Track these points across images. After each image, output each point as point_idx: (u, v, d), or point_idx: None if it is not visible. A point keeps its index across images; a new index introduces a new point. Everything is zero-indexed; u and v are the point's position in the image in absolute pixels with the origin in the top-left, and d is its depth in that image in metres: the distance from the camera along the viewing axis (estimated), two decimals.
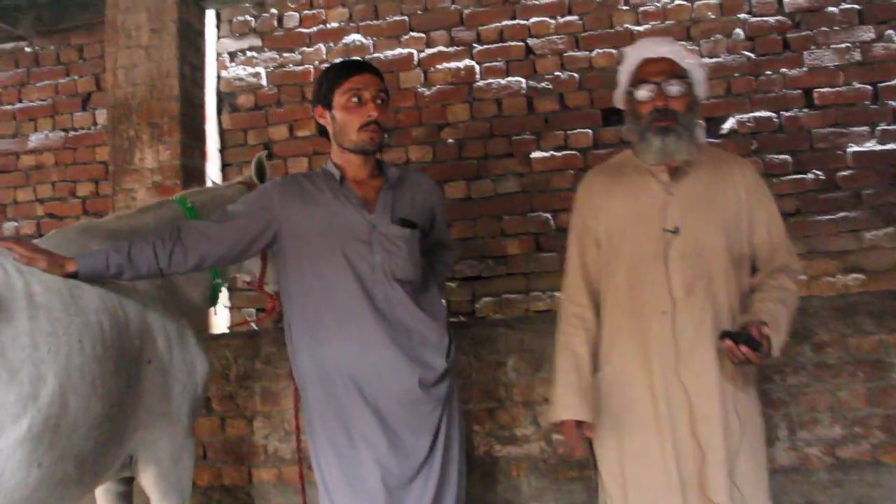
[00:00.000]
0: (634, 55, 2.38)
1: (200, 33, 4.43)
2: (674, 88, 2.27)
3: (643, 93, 2.30)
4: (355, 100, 2.37)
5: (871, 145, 4.00)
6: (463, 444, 2.52)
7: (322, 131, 2.53)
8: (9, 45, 4.86)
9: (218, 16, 4.63)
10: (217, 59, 4.61)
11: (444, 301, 2.62)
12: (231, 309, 4.50)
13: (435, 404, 2.40)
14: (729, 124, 4.11)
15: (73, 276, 2.12)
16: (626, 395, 2.30)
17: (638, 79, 2.33)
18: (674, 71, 2.29)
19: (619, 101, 2.49)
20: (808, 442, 3.18)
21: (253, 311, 4.46)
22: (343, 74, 2.40)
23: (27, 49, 4.84)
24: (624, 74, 2.41)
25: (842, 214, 3.99)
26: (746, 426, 2.25)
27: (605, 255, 2.39)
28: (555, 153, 4.23)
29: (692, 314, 2.23)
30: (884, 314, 3.18)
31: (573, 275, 2.44)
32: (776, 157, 4.06)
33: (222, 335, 3.73)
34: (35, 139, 4.79)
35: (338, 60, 2.58)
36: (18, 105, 4.83)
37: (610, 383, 2.34)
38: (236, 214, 2.42)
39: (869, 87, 4.02)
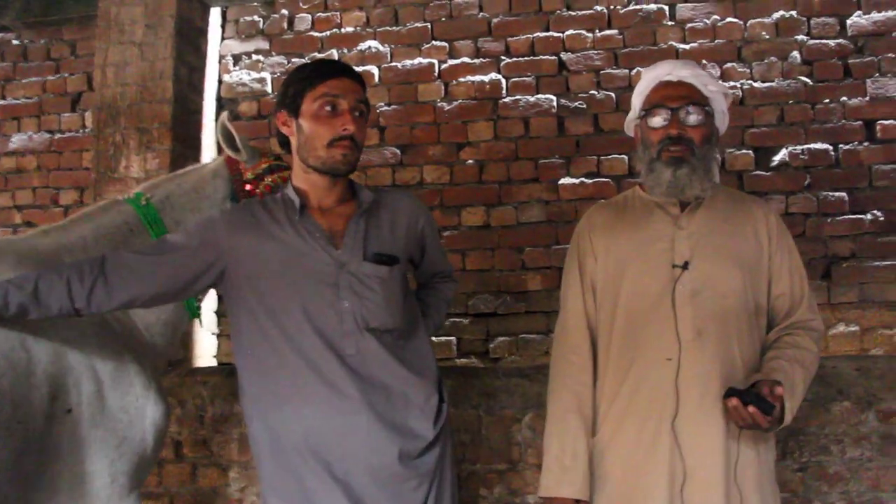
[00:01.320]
0: (650, 77, 2.16)
1: (202, 32, 4.06)
2: (692, 116, 2.06)
3: (657, 119, 2.09)
4: (329, 108, 1.96)
5: None
6: None
7: (284, 143, 2.10)
8: None
9: (224, 15, 4.28)
10: (220, 62, 4.25)
11: (433, 350, 2.17)
12: (219, 336, 4.09)
13: (420, 479, 1.97)
14: (780, 156, 3.71)
15: None
16: (619, 462, 2.02)
17: (652, 103, 2.11)
18: (693, 97, 2.08)
19: (629, 127, 2.28)
20: None
21: None
22: (317, 76, 1.99)
23: (14, 42, 4.49)
24: (637, 98, 2.20)
25: None
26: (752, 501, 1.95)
27: (603, 300, 2.14)
28: (585, 180, 3.84)
29: (701, 360, 1.96)
30: None
31: (574, 321, 2.17)
32: (831, 194, 3.67)
33: (199, 370, 3.32)
34: (17, 140, 4.42)
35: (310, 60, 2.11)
36: (2, 102, 4.48)
37: (603, 448, 2.06)
38: (175, 247, 1.99)
39: None
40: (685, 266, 2.01)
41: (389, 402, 1.96)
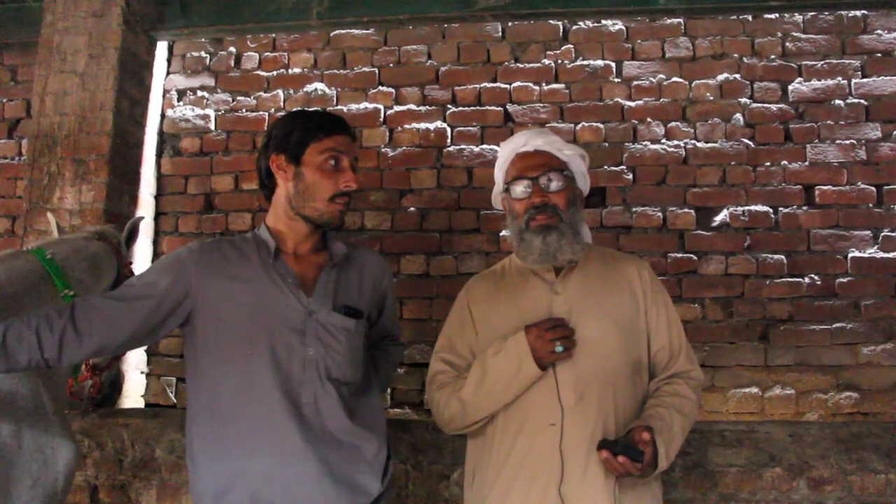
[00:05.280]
0: (507, 150, 2.20)
1: (147, 66, 3.98)
2: (552, 183, 2.09)
3: (519, 190, 2.11)
4: (332, 163, 2.01)
5: (873, 251, 3.65)
6: None
7: (265, 185, 2.09)
8: None
9: (170, 49, 4.22)
10: (164, 97, 4.18)
11: (383, 408, 2.18)
12: (149, 376, 3.95)
13: None
14: (721, 216, 3.73)
15: None
16: None
17: (512, 175, 2.15)
18: (550, 164, 2.12)
19: (496, 201, 2.30)
20: None
21: (173, 380, 3.92)
22: (324, 129, 2.02)
23: None
24: (499, 172, 2.24)
25: (837, 325, 3.63)
26: None
27: None
28: None
29: (584, 424, 1.96)
30: (893, 451, 2.78)
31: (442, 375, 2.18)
32: (770, 256, 3.69)
33: (120, 412, 3.19)
34: None
35: (314, 109, 2.12)
36: None
37: None
38: (144, 291, 1.93)
39: (873, 188, 3.70)
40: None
41: (339, 455, 1.94)
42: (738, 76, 3.82)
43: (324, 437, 1.92)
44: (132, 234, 2.67)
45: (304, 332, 1.95)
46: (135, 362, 3.85)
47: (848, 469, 2.78)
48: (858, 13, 3.79)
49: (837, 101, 3.76)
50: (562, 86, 3.91)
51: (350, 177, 2.01)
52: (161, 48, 4.14)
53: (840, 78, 3.77)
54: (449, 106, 3.96)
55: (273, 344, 1.93)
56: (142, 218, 2.79)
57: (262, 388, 1.90)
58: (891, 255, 3.63)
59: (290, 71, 4.10)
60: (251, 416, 1.90)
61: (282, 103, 4.05)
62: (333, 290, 2.03)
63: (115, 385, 2.84)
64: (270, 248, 2.01)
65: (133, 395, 3.85)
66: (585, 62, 3.91)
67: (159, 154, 4.12)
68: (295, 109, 2.08)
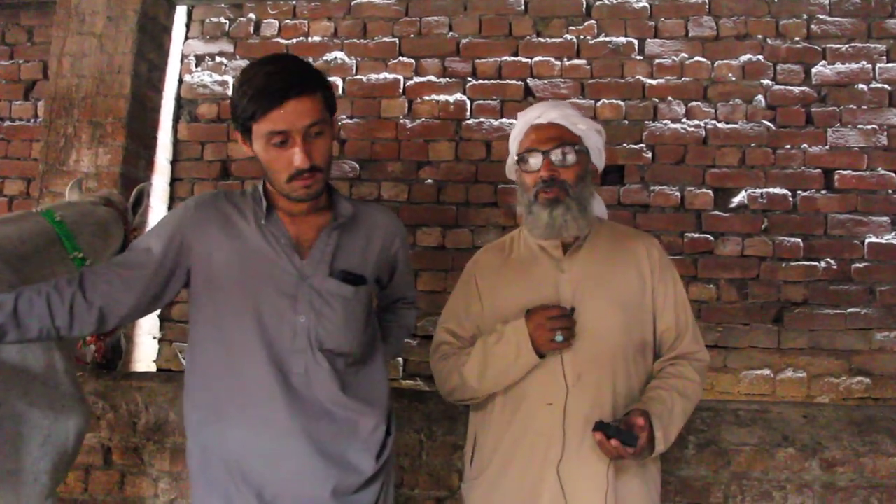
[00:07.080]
0: (523, 121, 2.18)
1: (166, 30, 3.95)
2: (563, 157, 2.06)
3: (531, 161, 2.09)
4: (277, 143, 1.76)
5: (891, 238, 3.64)
6: None
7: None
8: None
9: (189, 14, 4.18)
10: (182, 62, 4.15)
11: (387, 379, 2.07)
12: (161, 341, 3.96)
13: None
14: (739, 198, 3.71)
15: None
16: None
17: (525, 147, 2.12)
18: (563, 138, 2.08)
19: (510, 172, 2.28)
20: None
21: (185, 346, 3.92)
22: (260, 107, 1.73)
23: None
24: (513, 143, 2.22)
25: (852, 310, 3.63)
26: None
27: None
28: None
29: (584, 404, 1.95)
30: None
31: (448, 344, 2.18)
32: (787, 239, 3.67)
33: (134, 374, 3.19)
34: None
35: (264, 68, 1.78)
36: None
37: (486, 493, 2.04)
38: (140, 255, 1.84)
39: (893, 174, 3.68)
40: (572, 312, 2.00)
41: (331, 431, 1.83)
42: (761, 57, 3.79)
43: (315, 411, 1.81)
44: (139, 200, 2.66)
45: (296, 298, 1.83)
46: (147, 327, 3.86)
47: (861, 451, 2.78)
48: None
49: (861, 86, 3.73)
50: (583, 62, 3.88)
51: (299, 157, 1.75)
52: (180, 13, 4.11)
53: (864, 62, 3.74)
54: (469, 78, 3.94)
55: (260, 309, 1.81)
56: (149, 184, 2.77)
57: (249, 356, 1.80)
58: None
59: (309, 39, 4.07)
60: (238, 385, 1.80)
61: None
62: (332, 253, 1.89)
63: (117, 350, 2.87)
64: (262, 205, 1.88)
65: (145, 360, 3.85)
66: (608, 38, 3.88)
67: (176, 119, 4.10)
68: (246, 65, 1.86)
